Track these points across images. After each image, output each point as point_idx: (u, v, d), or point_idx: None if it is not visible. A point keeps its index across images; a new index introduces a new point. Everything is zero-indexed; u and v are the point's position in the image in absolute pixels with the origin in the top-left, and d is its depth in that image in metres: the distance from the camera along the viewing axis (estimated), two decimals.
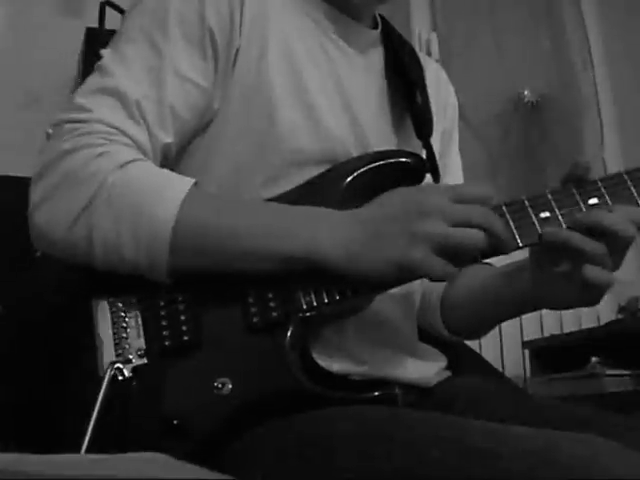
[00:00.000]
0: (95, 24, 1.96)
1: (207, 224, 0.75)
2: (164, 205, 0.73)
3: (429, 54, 2.69)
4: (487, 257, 0.77)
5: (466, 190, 0.74)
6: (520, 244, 0.76)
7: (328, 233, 0.73)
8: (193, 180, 0.76)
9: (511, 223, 0.76)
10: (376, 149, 0.86)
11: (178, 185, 0.75)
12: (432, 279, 0.73)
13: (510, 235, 0.74)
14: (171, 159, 0.83)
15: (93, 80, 0.81)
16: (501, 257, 0.79)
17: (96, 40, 1.91)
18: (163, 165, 0.81)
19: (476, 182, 0.86)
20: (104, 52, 0.83)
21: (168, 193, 0.74)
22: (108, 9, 1.94)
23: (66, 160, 0.75)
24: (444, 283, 1.00)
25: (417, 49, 1.07)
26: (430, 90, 1.01)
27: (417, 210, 0.72)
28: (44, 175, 0.75)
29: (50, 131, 0.79)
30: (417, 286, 0.96)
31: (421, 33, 2.79)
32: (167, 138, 0.81)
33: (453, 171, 1.09)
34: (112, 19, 1.89)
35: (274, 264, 0.74)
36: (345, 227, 0.74)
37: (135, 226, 0.72)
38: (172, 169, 0.80)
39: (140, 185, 0.74)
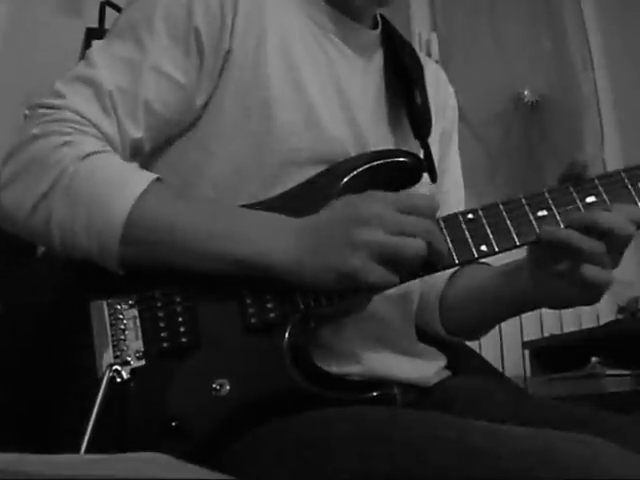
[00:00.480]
0: (95, 24, 1.96)
1: (161, 220, 0.76)
2: (121, 197, 0.74)
3: (429, 54, 2.69)
4: (427, 272, 0.77)
5: (411, 200, 0.74)
6: (517, 242, 0.76)
7: (280, 240, 0.74)
8: (155, 176, 0.77)
9: (508, 221, 0.76)
10: (374, 148, 0.86)
11: (139, 179, 0.76)
12: (373, 288, 0.74)
13: (504, 233, 0.75)
14: (144, 154, 0.84)
15: (77, 68, 0.83)
16: (500, 256, 0.79)
17: (96, 40, 1.91)
18: (135, 160, 0.82)
19: (423, 194, 0.86)
20: (95, 43, 0.85)
21: (126, 185, 0.75)
22: (108, 9, 1.94)
23: (34, 144, 0.77)
24: (443, 282, 1.00)
25: (417, 49, 1.07)
26: (429, 91, 1.01)
27: (358, 218, 0.72)
28: (12, 157, 0.78)
29: (27, 112, 0.81)
30: (415, 286, 0.96)
31: (421, 33, 2.79)
32: (137, 133, 0.81)
33: (452, 171, 1.09)
34: (112, 19, 1.88)
35: (224, 266, 0.74)
36: (296, 235, 0.74)
37: (90, 214, 0.74)
38: (158, 170, 0.81)
39: (100, 176, 0.75)
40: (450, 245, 0.76)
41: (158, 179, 0.77)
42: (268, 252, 0.73)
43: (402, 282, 0.74)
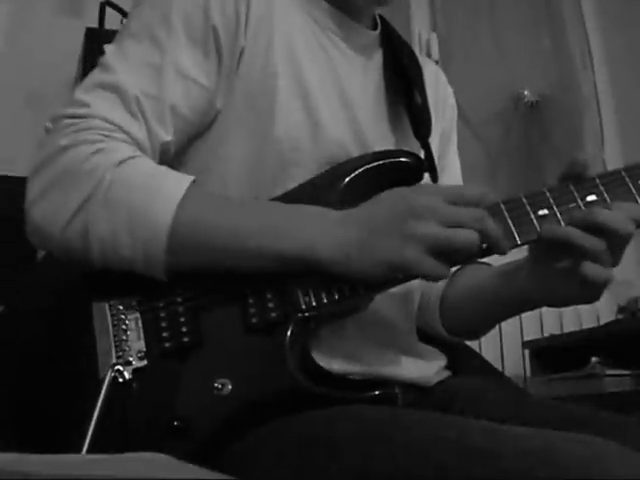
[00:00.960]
0: (95, 24, 1.96)
1: (204, 223, 0.75)
2: (161, 203, 0.73)
3: (429, 54, 2.69)
4: (483, 257, 0.77)
5: (461, 191, 0.74)
6: (518, 242, 0.76)
7: (324, 234, 0.73)
8: (191, 178, 0.75)
9: (509, 221, 0.76)
10: (375, 149, 0.87)
11: (176, 183, 0.75)
12: (426, 279, 0.73)
13: (504, 236, 0.75)
14: (170, 157, 0.83)
15: (94, 75, 0.81)
16: (500, 256, 0.79)
17: (96, 40, 1.91)
18: (162, 163, 0.81)
19: (472, 184, 0.86)
20: (107, 47, 0.83)
21: (166, 191, 0.74)
22: (108, 9, 1.94)
23: (64, 156, 0.74)
24: (443, 283, 1.00)
25: (417, 49, 1.08)
26: (429, 91, 1.01)
27: (410, 211, 0.72)
28: (41, 170, 0.75)
29: (49, 125, 0.78)
30: (416, 286, 0.96)
31: (421, 33, 2.79)
32: (166, 136, 0.80)
33: (452, 171, 1.09)
34: (112, 19, 1.89)
35: (271, 263, 0.74)
36: (340, 228, 0.74)
37: (132, 224, 0.72)
38: (172, 167, 0.80)
39: (137, 183, 0.74)
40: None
41: (193, 181, 0.75)
42: (313, 246, 0.73)
43: (463, 264, 0.74)
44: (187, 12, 0.82)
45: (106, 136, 0.76)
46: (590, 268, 0.75)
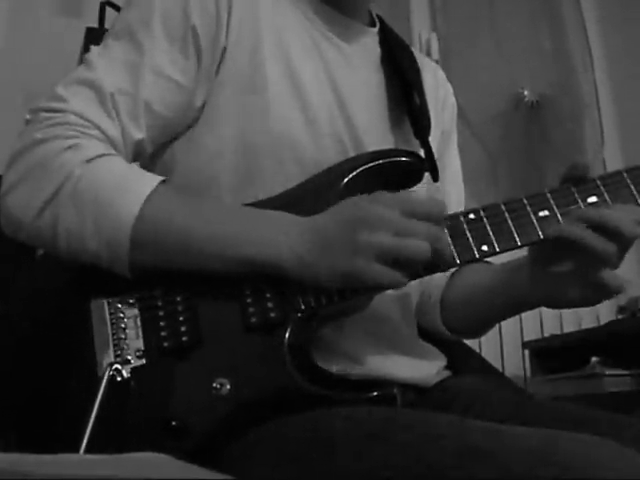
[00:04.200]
0: (95, 24, 1.96)
1: (169, 221, 0.75)
2: (128, 200, 0.74)
3: (429, 54, 2.69)
4: (428, 273, 0.77)
5: (417, 204, 0.74)
6: (519, 243, 0.76)
7: (282, 240, 0.74)
8: (161, 177, 0.77)
9: (509, 222, 0.76)
10: (373, 148, 0.86)
11: (145, 181, 0.76)
12: (381, 288, 0.75)
13: (506, 233, 0.75)
14: (146, 157, 0.84)
15: (77, 72, 0.83)
16: (500, 255, 0.79)
17: (96, 40, 1.91)
18: (137, 162, 0.82)
19: (430, 197, 0.87)
20: (94, 47, 0.85)
21: (133, 188, 0.75)
22: (108, 9, 1.94)
23: (37, 149, 0.76)
24: (444, 282, 1.00)
25: (417, 49, 1.08)
26: (428, 91, 1.01)
27: (363, 220, 0.72)
28: (16, 162, 0.77)
29: (28, 117, 0.80)
30: (414, 286, 0.96)
31: (421, 33, 2.79)
32: (139, 134, 0.81)
33: (451, 171, 1.09)
34: (112, 19, 1.88)
35: (232, 267, 0.75)
36: (300, 234, 0.74)
37: (98, 219, 0.73)
38: (147, 168, 0.81)
39: (106, 179, 0.75)
40: (452, 245, 0.76)
41: (163, 181, 0.76)
42: (273, 253, 0.74)
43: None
44: (167, 12, 0.83)
45: (80, 132, 0.77)
46: (607, 275, 0.75)
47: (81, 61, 0.85)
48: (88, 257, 0.75)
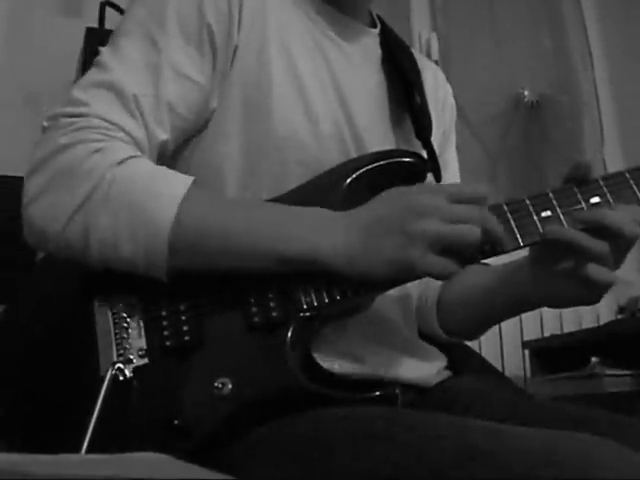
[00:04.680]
0: (95, 24, 1.96)
1: (206, 223, 0.74)
2: (163, 204, 0.72)
3: (429, 54, 2.69)
4: (487, 257, 0.77)
5: (462, 190, 0.74)
6: (521, 243, 0.76)
7: (327, 235, 0.73)
8: (192, 178, 0.75)
9: (512, 222, 0.76)
10: (375, 149, 0.86)
11: (177, 183, 0.74)
12: (434, 277, 0.73)
13: (508, 234, 0.75)
14: (167, 157, 0.83)
15: (91, 75, 0.81)
16: (499, 257, 0.79)
17: (96, 40, 1.91)
18: (160, 162, 0.81)
19: (473, 182, 0.86)
20: (103, 48, 0.83)
21: (167, 191, 0.73)
22: (108, 9, 1.94)
23: (63, 155, 0.74)
24: (439, 284, 1.00)
25: (417, 49, 1.08)
26: (429, 91, 1.01)
27: (412, 209, 0.72)
28: (39, 169, 0.75)
29: (46, 124, 0.78)
30: (414, 287, 0.96)
31: (421, 33, 2.79)
32: (163, 135, 0.80)
33: (450, 171, 1.08)
34: (112, 19, 1.89)
35: (275, 265, 0.74)
36: (343, 229, 0.73)
37: (133, 225, 0.72)
38: (169, 166, 0.80)
39: (138, 183, 0.73)
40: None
41: (194, 182, 0.75)
42: (316, 248, 0.72)
43: (464, 265, 0.74)
44: (181, 10, 0.82)
45: (106, 135, 0.75)
46: (594, 270, 0.75)
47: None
48: (122, 264, 0.73)
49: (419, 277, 0.75)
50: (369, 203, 0.75)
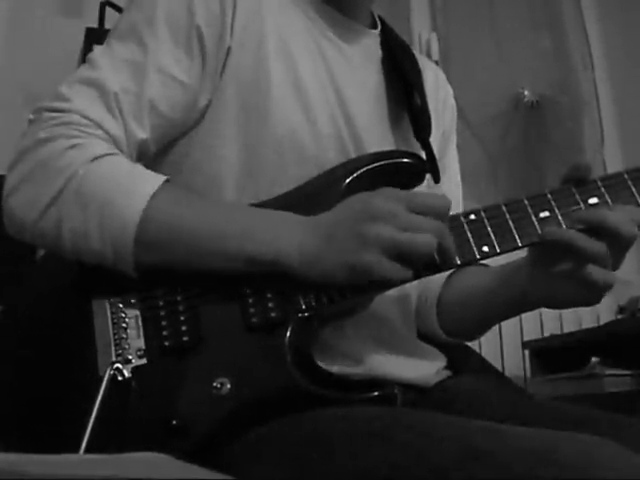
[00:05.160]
0: (95, 24, 1.96)
1: (174, 220, 0.75)
2: (132, 199, 0.74)
3: (429, 54, 2.69)
4: (430, 273, 0.77)
5: (424, 200, 0.74)
6: (519, 243, 0.76)
7: (288, 237, 0.74)
8: (164, 177, 0.76)
9: (510, 223, 0.76)
10: (374, 149, 0.86)
11: (148, 181, 0.76)
12: (389, 282, 0.74)
13: (506, 234, 0.75)
14: (149, 157, 0.84)
15: (80, 71, 0.83)
16: (499, 257, 0.79)
17: (96, 40, 1.91)
18: (141, 162, 0.81)
19: (434, 194, 0.87)
20: (96, 47, 0.84)
21: (137, 188, 0.74)
22: (108, 9, 1.94)
23: (41, 149, 0.76)
24: (440, 284, 0.99)
25: (417, 49, 1.08)
26: (429, 92, 1.01)
27: (369, 214, 0.72)
28: (19, 161, 0.77)
29: (31, 117, 0.80)
30: (413, 287, 0.95)
31: (421, 33, 2.79)
32: (143, 133, 0.81)
33: (450, 172, 1.08)
34: (112, 19, 1.89)
35: (238, 265, 0.74)
36: (302, 231, 0.74)
37: (102, 218, 0.73)
38: (152, 166, 0.81)
39: (109, 179, 0.75)
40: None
41: (167, 180, 0.76)
42: (280, 250, 0.73)
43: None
44: (171, 11, 0.83)
45: (83, 132, 0.77)
46: (593, 271, 0.75)
47: (83, 61, 0.85)
48: (92, 256, 0.75)
49: (382, 283, 0.75)
50: (334, 208, 0.76)
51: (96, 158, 0.75)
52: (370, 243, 0.71)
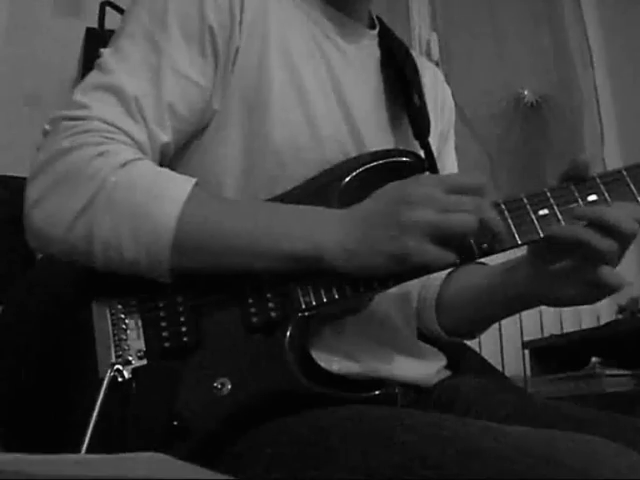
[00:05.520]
0: (95, 24, 1.96)
1: (208, 224, 0.75)
2: (165, 205, 0.72)
3: (429, 54, 2.69)
4: (485, 254, 0.76)
5: (458, 180, 0.74)
6: (519, 241, 0.76)
7: (325, 232, 0.73)
8: (194, 180, 0.75)
9: (509, 221, 0.76)
10: (373, 148, 0.86)
11: (179, 185, 0.75)
12: (431, 268, 0.73)
13: (506, 228, 0.74)
14: (169, 158, 0.83)
15: (92, 77, 0.81)
16: (498, 256, 0.79)
17: (96, 40, 1.92)
18: (161, 164, 0.81)
19: (468, 172, 0.86)
20: (104, 50, 0.83)
21: (169, 193, 0.73)
22: (108, 9, 1.94)
23: (65, 158, 0.74)
24: (439, 283, 0.99)
25: (417, 49, 1.08)
26: (428, 92, 1.01)
27: (406, 200, 0.72)
28: (42, 173, 0.75)
29: (47, 128, 0.78)
30: (414, 286, 0.96)
31: (421, 33, 2.79)
32: (165, 137, 0.80)
33: (450, 171, 1.08)
34: (112, 19, 1.89)
35: (275, 263, 0.74)
36: (340, 225, 0.74)
37: (136, 226, 0.72)
38: (171, 168, 0.80)
39: (141, 185, 0.74)
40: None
41: (196, 184, 0.75)
42: (319, 245, 0.73)
43: (462, 264, 0.74)
44: (182, 12, 0.82)
45: (107, 138, 0.75)
46: (606, 272, 0.75)
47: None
48: (126, 267, 0.74)
49: (420, 269, 0.74)
50: (367, 199, 0.75)
51: (124, 164, 0.74)
52: (410, 229, 0.70)
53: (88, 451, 0.68)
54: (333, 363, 0.79)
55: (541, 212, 0.77)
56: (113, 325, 0.76)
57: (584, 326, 2.44)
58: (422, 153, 0.94)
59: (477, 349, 1.72)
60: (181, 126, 0.82)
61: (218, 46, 0.83)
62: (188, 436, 0.71)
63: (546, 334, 2.39)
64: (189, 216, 0.73)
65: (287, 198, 0.81)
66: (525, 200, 0.77)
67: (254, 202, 0.81)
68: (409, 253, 0.70)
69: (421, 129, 0.96)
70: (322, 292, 0.76)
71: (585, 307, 0.83)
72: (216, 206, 0.77)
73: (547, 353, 2.25)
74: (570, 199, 0.77)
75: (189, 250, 0.74)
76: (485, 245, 0.76)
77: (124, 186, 0.73)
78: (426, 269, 0.74)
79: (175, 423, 0.72)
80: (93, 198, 0.72)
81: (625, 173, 0.79)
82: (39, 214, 0.74)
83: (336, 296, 0.75)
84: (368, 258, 0.72)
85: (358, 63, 0.94)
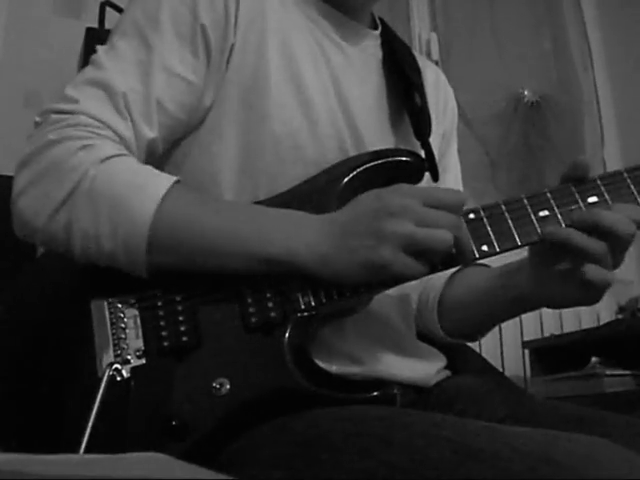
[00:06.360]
0: (95, 24, 1.96)
1: (186, 222, 0.75)
2: (143, 201, 0.73)
3: (429, 54, 2.69)
4: (445, 267, 0.77)
5: (438, 195, 0.74)
6: (519, 243, 0.76)
7: (301, 236, 0.74)
8: (175, 178, 0.76)
9: (509, 222, 0.76)
10: (374, 148, 0.86)
11: (159, 182, 0.75)
12: (404, 279, 0.74)
13: (505, 233, 0.75)
14: (158, 156, 0.84)
15: (85, 72, 0.82)
16: (498, 257, 0.79)
17: (96, 40, 1.91)
18: (149, 162, 0.81)
19: (449, 188, 0.86)
20: (99, 47, 0.84)
21: (148, 189, 0.74)
22: (108, 9, 1.94)
23: (50, 150, 0.76)
24: (441, 284, 0.99)
25: (417, 49, 1.08)
26: (430, 92, 1.01)
27: (385, 210, 0.72)
28: (28, 163, 0.76)
29: (38, 120, 0.80)
30: (414, 287, 0.95)
31: (421, 33, 2.79)
32: (151, 133, 0.81)
33: (452, 172, 1.09)
34: (112, 19, 1.89)
35: (252, 265, 0.74)
36: (318, 231, 0.74)
37: (114, 220, 0.73)
38: (164, 170, 0.80)
39: (120, 180, 0.75)
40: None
41: (177, 181, 0.76)
42: (293, 250, 0.73)
43: (424, 275, 0.74)
44: (175, 10, 0.83)
45: (93, 133, 0.77)
46: (591, 271, 0.75)
47: (83, 61, 0.85)
48: (104, 258, 0.75)
49: (397, 279, 0.75)
50: (347, 206, 0.76)
51: (107, 159, 0.75)
52: (386, 239, 0.70)
53: (87, 451, 0.68)
54: (332, 363, 0.79)
55: (541, 213, 0.77)
56: (112, 324, 0.76)
57: (584, 326, 2.44)
58: (423, 153, 0.94)
59: (477, 349, 1.72)
60: (170, 122, 0.82)
61: (211, 44, 0.83)
62: (187, 436, 0.71)
63: (546, 334, 2.39)
64: (166, 212, 0.73)
65: (286, 197, 0.81)
66: (526, 201, 0.77)
67: (236, 204, 0.82)
68: (383, 262, 0.70)
69: (422, 129, 0.96)
70: (321, 292, 0.75)
71: (585, 307, 0.83)
72: (196, 204, 0.77)
73: (547, 353, 2.25)
74: (571, 200, 0.77)
75: (164, 246, 0.74)
76: (485, 246, 0.76)
77: (103, 179, 0.74)
78: (399, 279, 0.75)
79: (174, 423, 0.71)
80: (74, 190, 0.74)
81: (626, 175, 0.79)
82: (24, 203, 0.76)
83: (335, 296, 0.75)
84: (342, 265, 0.72)
85: (359, 63, 0.94)
